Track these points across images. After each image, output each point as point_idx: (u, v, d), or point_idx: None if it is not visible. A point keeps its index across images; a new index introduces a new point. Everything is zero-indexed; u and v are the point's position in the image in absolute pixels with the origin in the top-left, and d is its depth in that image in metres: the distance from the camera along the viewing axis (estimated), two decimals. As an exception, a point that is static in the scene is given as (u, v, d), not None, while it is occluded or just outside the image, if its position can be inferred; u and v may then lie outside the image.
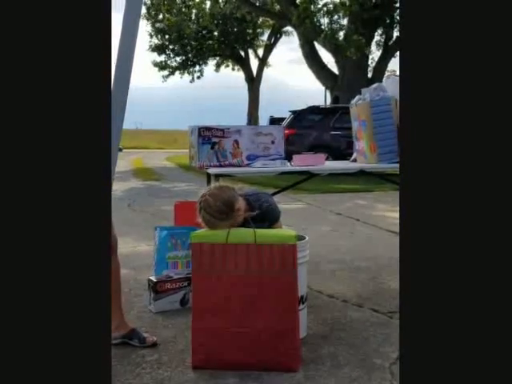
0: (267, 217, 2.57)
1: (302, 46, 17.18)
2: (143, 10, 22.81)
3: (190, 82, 27.17)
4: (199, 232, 2.40)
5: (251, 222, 2.41)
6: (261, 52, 27.98)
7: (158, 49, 25.50)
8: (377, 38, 16.81)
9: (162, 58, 26.09)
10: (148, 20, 24.82)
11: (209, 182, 3.73)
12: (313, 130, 12.41)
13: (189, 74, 26.80)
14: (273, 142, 3.46)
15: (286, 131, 8.81)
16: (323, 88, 20.63)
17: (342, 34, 15.59)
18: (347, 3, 14.67)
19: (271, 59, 28.62)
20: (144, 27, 25.69)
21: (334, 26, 15.64)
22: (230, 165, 3.36)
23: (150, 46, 25.46)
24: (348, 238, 5.38)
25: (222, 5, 23.93)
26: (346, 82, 15.76)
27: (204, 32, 24.72)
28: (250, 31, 26.43)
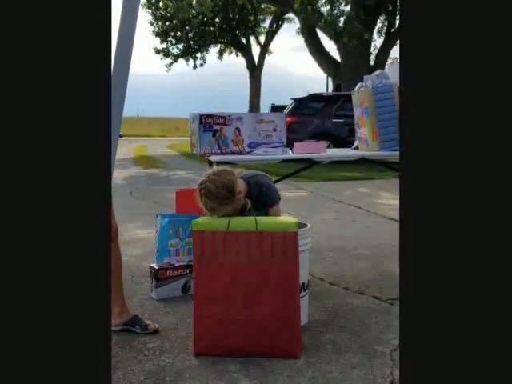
0: (266, 199, 2.56)
1: (303, 32, 17.09)
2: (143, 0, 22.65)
3: (194, 68, 27.01)
4: (200, 220, 2.40)
5: (251, 205, 2.42)
6: (262, 39, 27.80)
7: (160, 35, 25.33)
8: (379, 25, 16.71)
9: (164, 45, 25.96)
10: (149, 8, 24.63)
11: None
12: (314, 117, 12.38)
13: (194, 59, 26.62)
14: (274, 130, 3.45)
15: (288, 119, 8.79)
16: (325, 75, 20.55)
17: (342, 19, 15.50)
18: None
19: (273, 46, 28.44)
20: (144, 15, 25.53)
21: (335, 12, 15.54)
22: (232, 152, 3.35)
23: (153, 31, 25.30)
24: (350, 226, 5.39)
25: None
26: (348, 69, 15.67)
27: (205, 19, 24.53)
28: (252, 18, 26.23)
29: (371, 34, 15.66)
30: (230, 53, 28.24)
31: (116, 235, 2.57)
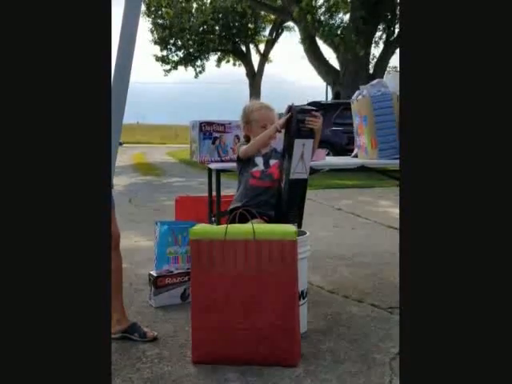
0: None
1: (303, 41, 17.15)
2: (143, 8, 22.73)
3: (195, 77, 27.10)
4: (197, 228, 2.39)
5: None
6: (262, 47, 27.90)
7: (160, 43, 25.42)
8: (378, 33, 16.78)
9: (164, 52, 26.05)
10: (148, 16, 24.73)
11: (210, 177, 3.73)
12: (314, 125, 12.37)
13: (193, 67, 26.71)
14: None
15: (287, 126, 8.78)
16: (324, 83, 20.61)
17: (339, 31, 15.56)
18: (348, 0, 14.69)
19: (273, 54, 28.49)
20: (144, 23, 25.62)
21: (333, 21, 15.62)
22: (231, 160, 3.35)
23: (153, 40, 25.39)
24: (349, 234, 5.38)
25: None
26: (347, 77, 15.73)
27: (205, 26, 24.64)
28: (252, 26, 26.35)
29: (370, 42, 15.72)
30: (228, 61, 28.32)
31: (118, 243, 2.57)
